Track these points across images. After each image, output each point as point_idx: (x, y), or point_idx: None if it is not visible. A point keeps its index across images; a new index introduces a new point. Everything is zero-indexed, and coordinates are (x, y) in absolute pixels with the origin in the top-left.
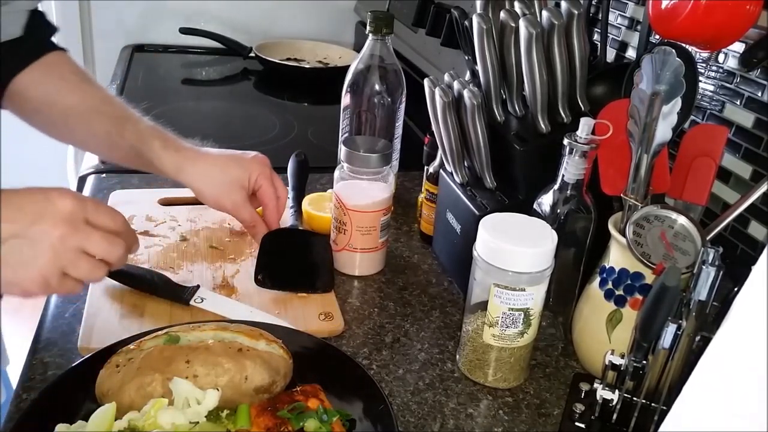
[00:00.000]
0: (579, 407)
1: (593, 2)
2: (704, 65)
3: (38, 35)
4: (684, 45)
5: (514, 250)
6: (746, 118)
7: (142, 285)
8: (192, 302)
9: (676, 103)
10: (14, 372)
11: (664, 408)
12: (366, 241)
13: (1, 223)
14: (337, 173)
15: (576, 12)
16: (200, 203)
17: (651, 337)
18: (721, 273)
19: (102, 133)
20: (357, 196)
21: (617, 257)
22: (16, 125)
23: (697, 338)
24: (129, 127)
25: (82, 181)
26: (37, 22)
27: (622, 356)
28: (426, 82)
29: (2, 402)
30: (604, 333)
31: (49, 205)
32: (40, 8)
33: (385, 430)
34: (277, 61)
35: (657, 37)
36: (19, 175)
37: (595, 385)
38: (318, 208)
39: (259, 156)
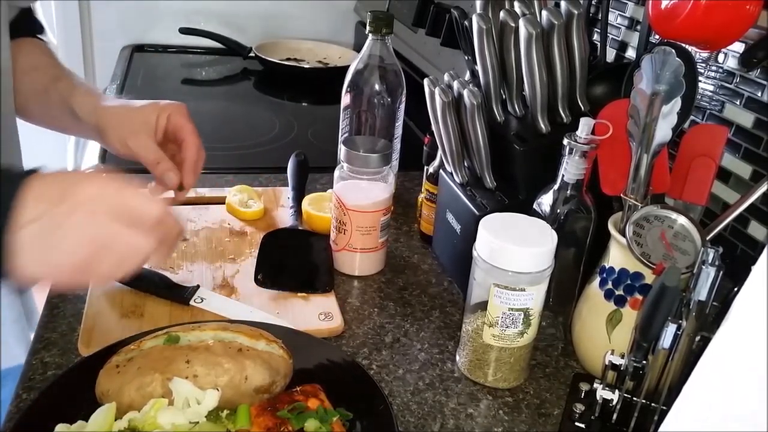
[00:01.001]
0: (579, 407)
1: (593, 2)
2: (704, 65)
3: (21, 30)
4: (684, 45)
5: (514, 250)
6: (746, 118)
7: (142, 285)
8: (192, 302)
9: (676, 103)
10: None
11: (664, 408)
12: (366, 241)
13: (29, 203)
14: (337, 173)
15: (576, 12)
16: (201, 203)
17: (651, 337)
18: (721, 273)
19: (40, 87)
20: (357, 196)
21: (617, 257)
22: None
23: (697, 338)
24: (63, 82)
25: None
26: (24, 19)
27: (622, 356)
28: (426, 82)
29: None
30: (604, 333)
31: (78, 186)
32: (34, 6)
33: (385, 430)
34: (276, 61)
35: (657, 37)
36: None
37: (595, 385)
38: (318, 208)
39: (180, 104)
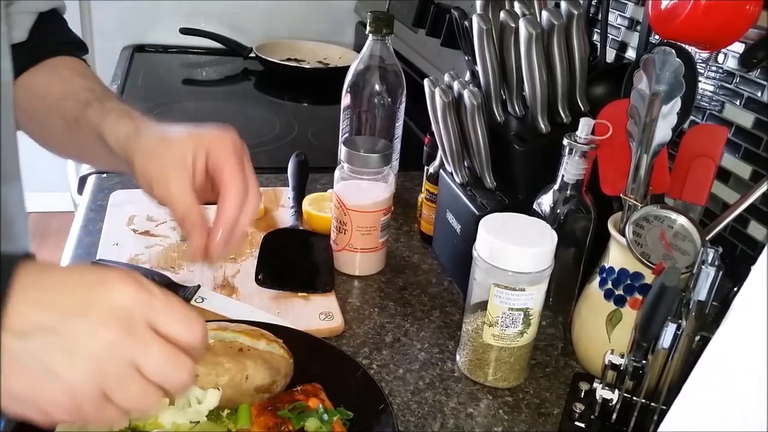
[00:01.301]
0: (579, 407)
1: (593, 2)
2: (704, 65)
3: (47, 39)
4: (684, 45)
5: (514, 250)
6: (746, 119)
7: None
8: (193, 302)
9: (676, 104)
10: None
11: (664, 408)
12: (366, 241)
13: (26, 307)
14: (337, 173)
15: (576, 12)
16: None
17: (650, 336)
18: (721, 273)
19: (70, 119)
20: (357, 196)
21: (617, 257)
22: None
23: (697, 338)
24: (94, 107)
25: (82, 181)
26: (47, 25)
27: (622, 356)
28: (426, 82)
29: None
30: (603, 333)
31: (102, 291)
32: (61, 9)
33: (386, 429)
34: (277, 61)
35: (657, 37)
36: None
37: (595, 384)
38: (318, 208)
39: (224, 132)
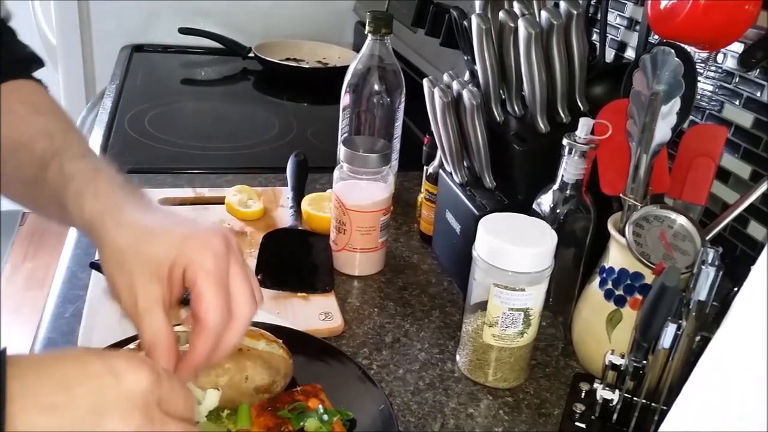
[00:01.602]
0: (579, 407)
1: (592, 2)
2: (703, 65)
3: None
4: (683, 45)
5: (514, 250)
6: (745, 118)
7: None
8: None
9: (675, 103)
10: None
11: (665, 408)
12: (366, 241)
13: (34, 415)
14: (336, 173)
15: (575, 12)
16: (201, 203)
17: (651, 337)
18: (721, 273)
19: (29, 175)
20: (357, 196)
21: (617, 257)
22: None
23: (697, 338)
24: (54, 167)
25: None
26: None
27: (622, 356)
28: (425, 82)
29: None
30: (604, 333)
31: (115, 384)
32: (7, 15)
33: (386, 430)
34: (276, 61)
35: (656, 37)
36: None
37: (595, 385)
38: (317, 208)
39: (218, 235)
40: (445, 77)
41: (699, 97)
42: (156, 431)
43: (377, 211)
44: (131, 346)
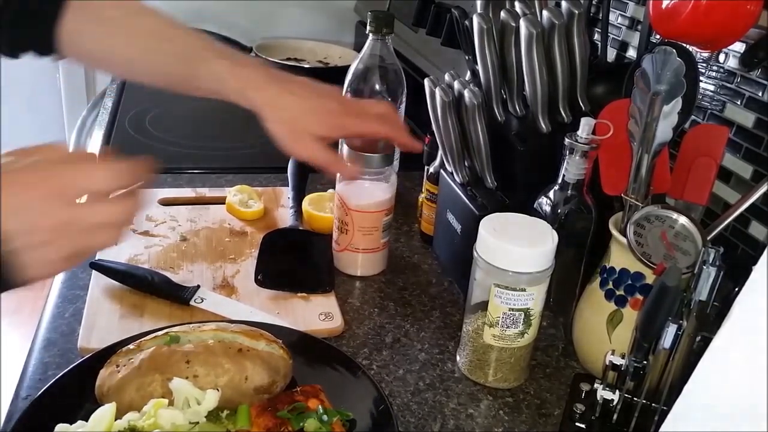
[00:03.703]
0: (579, 407)
1: (594, 2)
2: (705, 65)
3: None
4: (684, 45)
5: (515, 250)
6: (747, 118)
7: (142, 285)
8: (192, 302)
9: (677, 103)
10: (14, 372)
11: (665, 408)
12: (368, 241)
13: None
14: (339, 174)
15: (576, 12)
16: (201, 203)
17: (651, 337)
18: (722, 273)
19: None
20: (359, 196)
21: (618, 257)
22: (12, 126)
23: (698, 338)
24: (202, 59)
25: None
26: None
27: (623, 356)
28: (426, 81)
29: None
30: (604, 333)
31: (35, 204)
32: None
33: (385, 430)
34: (277, 61)
35: (657, 36)
36: None
37: (596, 385)
38: (318, 208)
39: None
40: (447, 77)
41: (700, 96)
42: (83, 218)
43: (380, 211)
44: (131, 346)
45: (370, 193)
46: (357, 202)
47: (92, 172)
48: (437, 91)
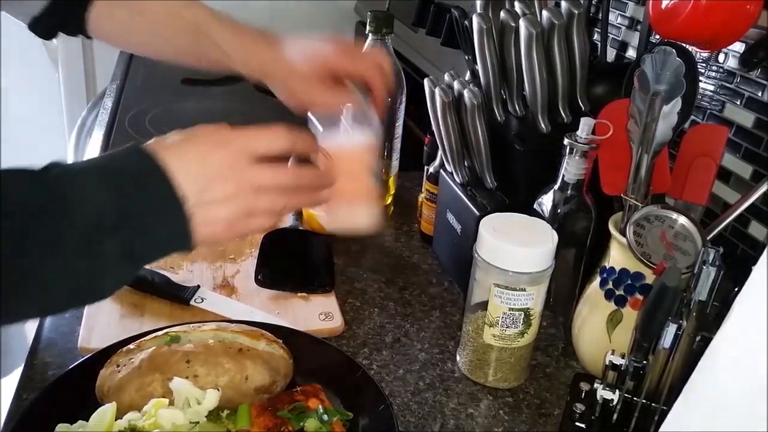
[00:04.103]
0: (579, 407)
1: (593, 2)
2: (704, 65)
3: None
4: (684, 45)
5: (515, 250)
6: (746, 118)
7: (143, 285)
8: (192, 302)
9: (677, 103)
10: (15, 371)
11: (665, 408)
12: (354, 188)
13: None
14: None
15: (576, 12)
16: None
17: (651, 337)
18: (722, 273)
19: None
20: (341, 140)
21: (618, 257)
22: (12, 126)
23: (698, 338)
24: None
25: None
26: None
27: (623, 356)
28: (426, 82)
29: None
30: (604, 333)
31: (206, 162)
32: None
33: (386, 430)
34: None
35: (657, 37)
36: None
37: (596, 385)
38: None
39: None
40: (446, 77)
41: (700, 96)
42: (252, 182)
43: (363, 151)
44: (131, 346)
45: (351, 135)
46: (340, 144)
47: (266, 134)
48: (437, 91)
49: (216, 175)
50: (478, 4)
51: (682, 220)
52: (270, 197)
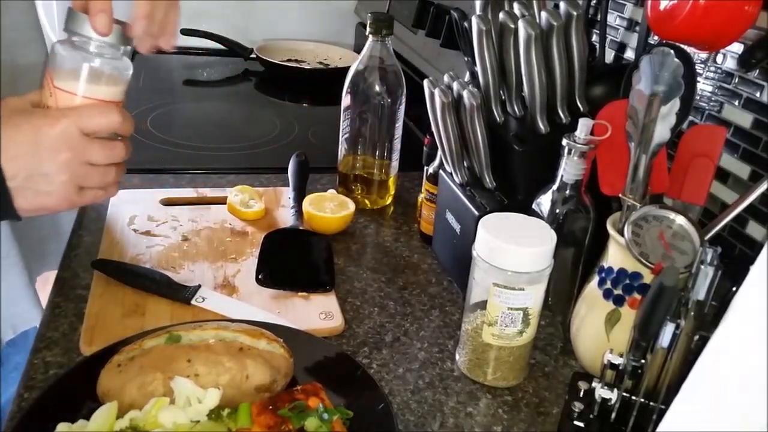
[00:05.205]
0: (578, 406)
1: (592, 3)
2: (703, 66)
3: None
4: (682, 46)
5: (514, 249)
6: (744, 119)
7: (144, 284)
8: (193, 302)
9: (675, 104)
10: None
11: (663, 407)
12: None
13: (5, 163)
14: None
15: (575, 13)
16: (202, 203)
17: (649, 336)
18: (720, 273)
19: None
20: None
21: (616, 257)
22: None
23: (696, 338)
24: None
25: None
26: None
27: (621, 355)
28: (426, 83)
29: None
30: (602, 332)
31: (40, 136)
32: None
33: (385, 428)
34: (277, 62)
35: (656, 38)
36: None
37: (594, 384)
38: (319, 208)
39: None
40: (446, 78)
41: (698, 97)
42: (82, 153)
43: (104, 101)
44: (132, 345)
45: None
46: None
47: (98, 111)
48: (436, 92)
49: (48, 149)
50: (478, 5)
51: (680, 220)
52: (100, 171)
